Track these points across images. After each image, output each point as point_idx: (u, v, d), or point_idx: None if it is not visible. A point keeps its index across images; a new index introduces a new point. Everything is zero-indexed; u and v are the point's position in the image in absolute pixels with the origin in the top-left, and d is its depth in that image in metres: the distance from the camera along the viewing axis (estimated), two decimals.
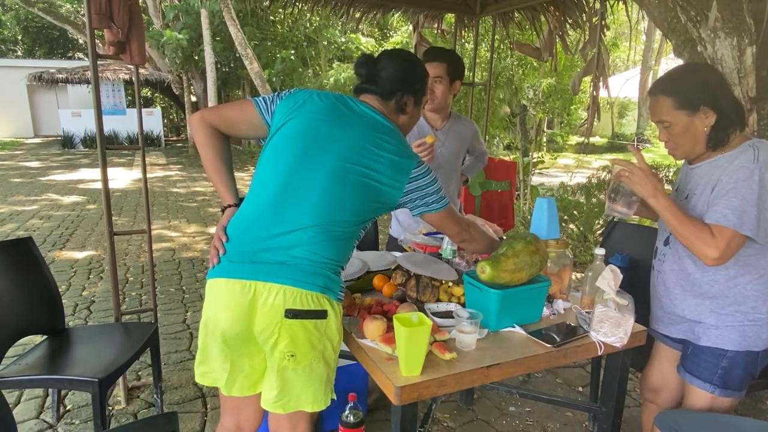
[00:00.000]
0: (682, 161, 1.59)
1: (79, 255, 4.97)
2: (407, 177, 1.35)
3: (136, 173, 10.72)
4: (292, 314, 1.26)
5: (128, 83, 15.73)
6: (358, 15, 3.77)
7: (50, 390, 2.42)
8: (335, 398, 1.44)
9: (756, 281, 1.43)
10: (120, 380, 2.42)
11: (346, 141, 1.33)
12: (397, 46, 9.65)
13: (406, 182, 1.35)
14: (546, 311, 1.59)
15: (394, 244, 2.43)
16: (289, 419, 1.40)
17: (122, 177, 10.10)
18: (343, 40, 12.21)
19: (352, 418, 1.84)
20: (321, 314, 1.29)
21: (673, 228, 1.39)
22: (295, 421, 1.41)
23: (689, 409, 1.55)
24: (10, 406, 2.34)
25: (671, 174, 6.56)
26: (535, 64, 6.55)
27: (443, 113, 2.33)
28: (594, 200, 5.46)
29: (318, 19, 11.17)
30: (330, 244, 1.31)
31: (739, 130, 1.41)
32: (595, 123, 3.40)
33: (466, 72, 6.40)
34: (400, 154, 1.36)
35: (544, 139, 12.81)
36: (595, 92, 3.18)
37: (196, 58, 14.02)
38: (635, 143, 16.49)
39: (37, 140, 18.28)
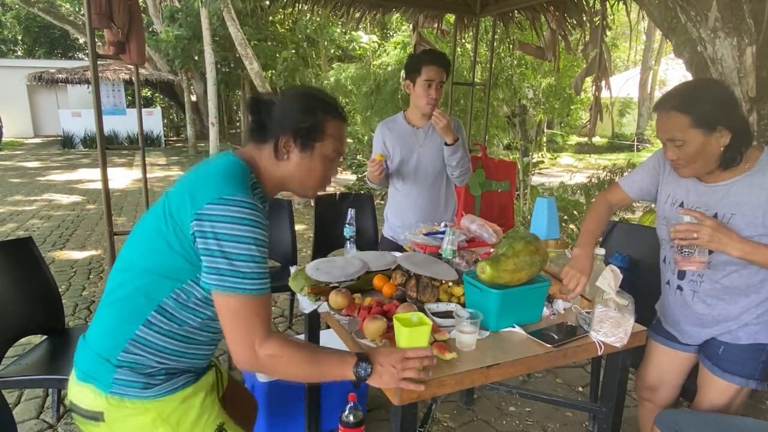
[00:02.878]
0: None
1: (79, 255, 4.96)
2: (195, 210, 1.05)
3: (136, 173, 10.72)
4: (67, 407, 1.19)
5: (128, 83, 15.73)
6: (358, 15, 3.77)
7: (50, 390, 2.42)
8: None
9: None
10: None
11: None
12: (398, 46, 9.64)
13: (191, 217, 1.06)
14: (546, 311, 1.59)
15: (387, 244, 2.44)
16: None
17: (122, 177, 10.10)
18: (346, 37, 12.22)
19: (352, 418, 1.84)
20: (92, 416, 1.11)
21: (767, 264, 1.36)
22: None
23: (707, 403, 1.56)
24: (10, 406, 2.34)
25: None
26: (534, 64, 6.55)
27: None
28: (594, 200, 5.45)
29: (318, 19, 11.18)
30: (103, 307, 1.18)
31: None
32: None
33: (466, 72, 6.42)
34: (203, 182, 1.10)
35: (544, 139, 12.83)
36: (597, 92, 3.18)
37: (196, 58, 14.02)
38: (635, 144, 16.48)
39: (37, 140, 18.28)
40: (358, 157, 8.91)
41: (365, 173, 2.45)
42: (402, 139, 2.33)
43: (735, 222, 1.40)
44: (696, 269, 1.43)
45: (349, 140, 11.75)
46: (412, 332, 1.20)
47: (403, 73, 2.33)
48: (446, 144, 2.26)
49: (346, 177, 10.06)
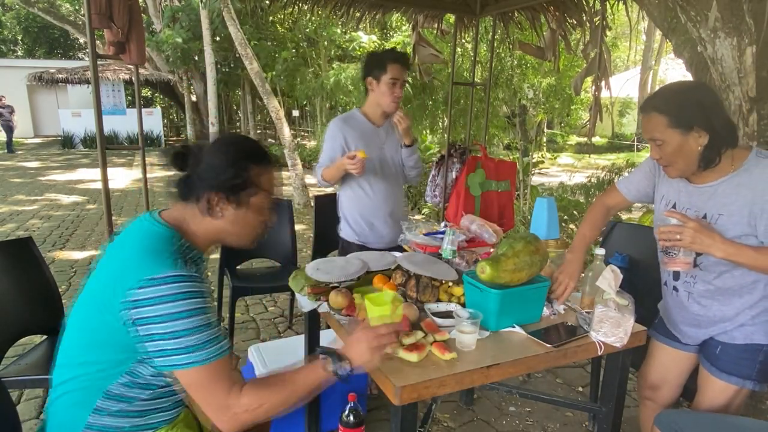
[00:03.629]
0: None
1: (79, 255, 4.97)
2: (123, 299, 1.01)
3: (136, 173, 10.72)
4: None
5: (128, 83, 15.73)
6: (358, 15, 3.77)
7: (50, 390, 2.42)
8: None
9: None
10: None
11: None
12: (398, 46, 9.63)
13: (120, 307, 1.01)
14: (546, 311, 1.59)
15: (348, 250, 2.33)
16: None
17: (122, 177, 10.10)
18: (346, 37, 12.21)
19: (352, 418, 1.84)
20: None
21: (752, 265, 1.36)
22: None
23: (707, 403, 1.56)
24: None
25: None
26: (534, 64, 6.55)
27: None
28: (593, 200, 5.45)
29: (318, 19, 11.19)
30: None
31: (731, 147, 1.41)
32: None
33: (466, 72, 6.42)
34: (125, 267, 1.04)
35: (544, 139, 12.84)
36: (597, 92, 3.18)
37: (196, 58, 14.03)
38: (635, 144, 16.48)
39: (37, 140, 18.28)
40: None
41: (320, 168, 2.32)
42: (365, 137, 2.28)
43: (722, 222, 1.41)
44: (681, 270, 1.46)
45: None
46: (380, 309, 1.29)
47: (363, 71, 2.29)
48: (405, 145, 2.29)
49: None
